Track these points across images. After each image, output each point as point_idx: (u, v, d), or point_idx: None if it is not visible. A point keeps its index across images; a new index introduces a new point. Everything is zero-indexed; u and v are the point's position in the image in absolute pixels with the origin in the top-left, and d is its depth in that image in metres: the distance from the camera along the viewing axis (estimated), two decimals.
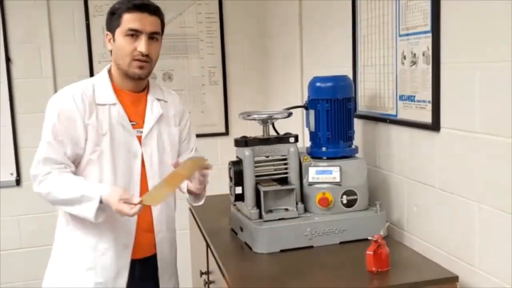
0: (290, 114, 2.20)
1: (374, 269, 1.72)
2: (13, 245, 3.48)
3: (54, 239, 2.06)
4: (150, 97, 2.05)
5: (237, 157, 2.12)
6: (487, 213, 1.63)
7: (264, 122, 2.16)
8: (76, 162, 1.93)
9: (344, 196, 2.06)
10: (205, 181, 2.00)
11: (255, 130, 2.30)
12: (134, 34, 1.90)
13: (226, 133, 3.79)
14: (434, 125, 1.85)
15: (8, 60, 3.37)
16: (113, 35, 1.94)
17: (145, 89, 2.06)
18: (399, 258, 1.87)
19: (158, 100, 2.07)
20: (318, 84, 2.16)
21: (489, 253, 1.64)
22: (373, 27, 2.22)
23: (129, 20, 1.90)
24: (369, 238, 1.75)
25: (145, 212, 1.98)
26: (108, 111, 1.94)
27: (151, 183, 1.99)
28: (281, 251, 1.96)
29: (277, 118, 2.20)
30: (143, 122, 2.01)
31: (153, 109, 2.03)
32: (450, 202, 1.80)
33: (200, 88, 3.75)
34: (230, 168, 2.11)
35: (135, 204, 1.76)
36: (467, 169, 1.71)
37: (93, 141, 1.91)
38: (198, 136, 3.68)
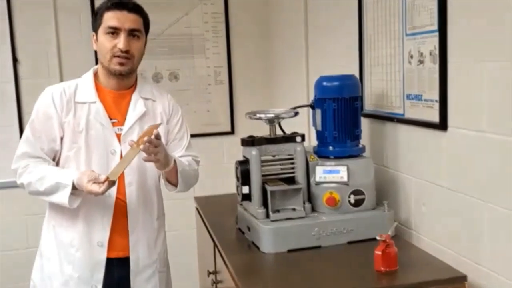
0: (296, 114, 2.20)
1: (382, 268, 1.72)
2: (21, 245, 3.50)
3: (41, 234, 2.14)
4: (134, 96, 2.07)
5: (243, 156, 2.12)
6: (496, 212, 1.62)
7: (271, 121, 2.16)
8: (56, 158, 2.02)
9: (352, 196, 2.05)
10: (154, 152, 1.86)
11: (261, 129, 2.30)
12: (114, 31, 1.96)
13: (232, 132, 3.80)
14: (442, 124, 1.84)
15: (15, 60, 3.39)
16: (97, 35, 2.01)
17: (132, 87, 2.09)
18: (408, 257, 1.86)
19: (146, 99, 2.09)
20: (324, 83, 2.15)
21: (498, 253, 1.64)
22: (379, 26, 2.22)
23: (109, 18, 1.96)
24: (377, 237, 1.75)
25: (120, 212, 2.02)
26: (87, 109, 2.00)
27: (129, 179, 2.02)
28: (289, 251, 1.96)
29: (283, 118, 2.19)
30: (125, 119, 2.04)
31: (136, 107, 2.06)
32: (458, 202, 1.80)
33: (206, 88, 3.75)
34: (237, 168, 2.11)
35: (103, 182, 1.83)
36: (475, 168, 1.71)
37: (69, 138, 1.98)
38: (203, 135, 3.71)
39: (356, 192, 2.06)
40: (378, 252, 1.72)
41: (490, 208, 1.65)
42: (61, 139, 1.99)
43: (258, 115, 2.19)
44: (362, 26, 2.36)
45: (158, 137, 1.85)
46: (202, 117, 3.73)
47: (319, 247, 1.99)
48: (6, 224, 3.47)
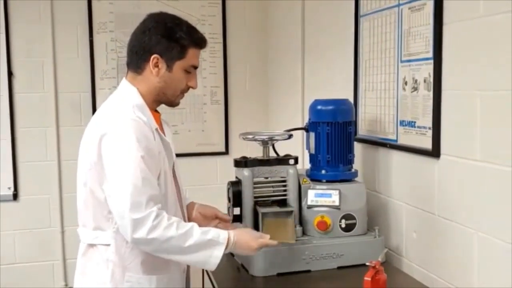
0: (290, 136, 2.20)
1: None
2: (9, 260, 3.46)
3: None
4: (162, 119, 1.93)
5: (236, 177, 2.11)
6: (486, 241, 1.61)
7: (264, 143, 2.15)
8: None
9: (343, 220, 2.04)
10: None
11: (255, 151, 2.29)
12: (192, 70, 1.84)
13: (226, 152, 3.79)
14: (434, 152, 1.84)
15: (10, 74, 3.38)
16: (171, 65, 1.78)
17: None
18: (397, 285, 1.85)
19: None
20: (319, 107, 2.16)
21: (488, 282, 1.63)
22: (375, 52, 2.23)
23: (194, 56, 1.82)
24: (367, 263, 1.73)
25: None
26: (157, 135, 1.79)
27: (184, 204, 1.93)
28: (278, 274, 1.95)
29: (277, 140, 2.19)
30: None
31: (167, 130, 1.92)
32: (449, 230, 1.79)
33: (201, 107, 3.75)
34: (228, 189, 2.10)
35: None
36: (466, 196, 1.70)
37: (163, 170, 1.76)
38: (197, 155, 3.71)
39: (347, 217, 2.05)
40: (367, 278, 1.70)
41: (481, 237, 1.64)
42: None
43: (251, 136, 2.18)
44: (358, 51, 2.38)
45: None
46: (196, 136, 3.72)
47: (308, 271, 1.97)
48: None
